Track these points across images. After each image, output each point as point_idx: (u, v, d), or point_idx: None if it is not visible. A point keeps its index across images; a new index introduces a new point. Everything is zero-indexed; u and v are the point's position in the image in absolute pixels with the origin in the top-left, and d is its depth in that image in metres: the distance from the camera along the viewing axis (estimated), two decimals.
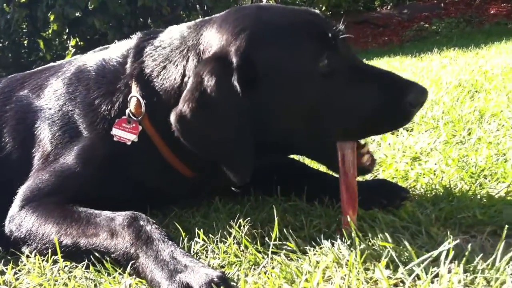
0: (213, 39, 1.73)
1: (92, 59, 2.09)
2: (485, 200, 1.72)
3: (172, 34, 1.92)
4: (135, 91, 1.86)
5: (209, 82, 1.58)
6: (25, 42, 14.11)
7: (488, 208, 1.67)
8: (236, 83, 1.57)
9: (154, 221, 1.58)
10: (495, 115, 2.76)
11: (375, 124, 1.67)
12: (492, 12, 14.83)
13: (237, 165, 1.67)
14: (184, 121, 1.64)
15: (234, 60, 1.60)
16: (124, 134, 1.85)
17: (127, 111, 1.85)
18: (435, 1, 16.68)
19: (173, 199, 2.04)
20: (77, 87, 2.01)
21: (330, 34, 1.64)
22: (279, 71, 1.63)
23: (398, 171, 2.10)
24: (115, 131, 1.85)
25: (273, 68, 1.63)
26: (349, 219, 1.55)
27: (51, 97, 2.06)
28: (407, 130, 2.81)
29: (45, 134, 1.98)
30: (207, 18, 1.91)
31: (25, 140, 2.03)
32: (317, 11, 1.81)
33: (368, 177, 2.15)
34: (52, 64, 2.34)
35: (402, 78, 1.69)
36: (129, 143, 1.84)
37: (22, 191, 1.88)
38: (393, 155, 2.34)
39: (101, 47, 2.23)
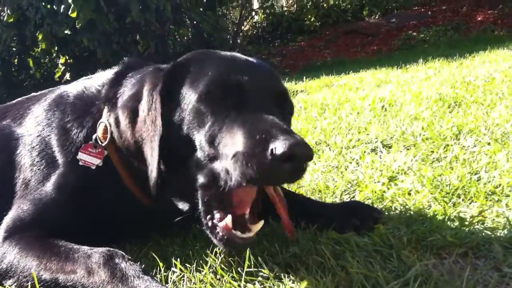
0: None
1: (73, 86, 2.16)
2: (456, 222, 1.75)
3: (152, 66, 1.99)
4: (105, 116, 1.91)
5: (144, 90, 1.79)
6: (15, 61, 14.07)
7: (459, 229, 1.71)
8: (156, 93, 1.74)
9: (129, 257, 1.61)
10: (472, 131, 2.81)
11: (241, 174, 1.47)
12: (479, 19, 14.97)
13: (150, 172, 1.73)
14: (117, 123, 1.83)
15: (163, 72, 1.81)
16: (89, 158, 1.90)
17: (94, 136, 1.90)
18: (422, 10, 16.82)
19: (143, 226, 2.05)
20: (55, 112, 2.06)
21: (239, 95, 1.65)
22: (184, 97, 1.73)
23: (374, 192, 2.13)
24: (80, 155, 1.90)
25: (182, 94, 1.74)
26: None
27: (32, 124, 2.11)
28: (387, 147, 2.85)
29: (25, 160, 2.02)
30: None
31: (7, 167, 2.05)
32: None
33: (345, 198, 2.19)
34: (33, 94, 2.37)
35: (281, 128, 1.48)
36: (93, 167, 1.89)
37: (5, 223, 1.90)
38: (370, 175, 2.37)
39: (85, 77, 2.27)
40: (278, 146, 1.38)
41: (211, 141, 1.60)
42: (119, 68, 2.05)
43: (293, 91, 6.23)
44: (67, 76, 12.09)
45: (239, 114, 1.59)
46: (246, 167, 1.44)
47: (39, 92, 2.36)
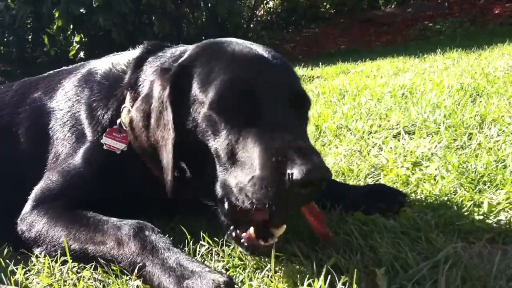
0: (185, 56, 1.81)
1: (102, 63, 2.18)
2: (484, 207, 1.75)
3: (170, 50, 1.99)
4: (128, 101, 1.92)
5: (154, 92, 1.74)
6: (30, 37, 14.13)
7: (486, 215, 1.71)
8: (166, 97, 1.68)
9: (158, 230, 1.62)
10: (495, 120, 2.80)
11: (255, 195, 1.43)
12: (496, 12, 14.81)
13: (165, 174, 1.70)
14: (132, 125, 1.80)
15: (169, 74, 1.72)
16: (114, 143, 1.91)
17: (118, 120, 1.92)
18: (439, 1, 16.65)
19: (167, 204, 2.05)
20: (84, 88, 2.09)
21: (257, 99, 1.57)
22: (194, 99, 1.67)
23: (399, 176, 2.14)
24: (105, 140, 1.92)
25: (192, 96, 1.67)
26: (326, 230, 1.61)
27: (62, 99, 2.14)
28: (409, 134, 2.85)
29: (57, 135, 2.05)
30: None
31: (39, 141, 2.08)
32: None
33: (370, 182, 2.19)
34: (65, 67, 2.39)
35: (297, 148, 1.42)
36: (118, 152, 1.90)
37: (34, 193, 1.93)
38: (394, 160, 2.37)
39: (115, 53, 2.28)
40: (296, 173, 1.34)
41: (227, 153, 1.54)
42: (140, 53, 2.04)
43: (310, 77, 6.22)
44: (81, 54, 12.14)
45: (255, 125, 1.52)
46: (263, 193, 1.40)
47: (70, 66, 2.38)
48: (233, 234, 1.59)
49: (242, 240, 1.55)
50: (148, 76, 1.92)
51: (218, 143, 1.57)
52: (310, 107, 1.84)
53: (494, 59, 5.80)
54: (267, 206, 1.40)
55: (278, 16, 18.14)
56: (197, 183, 1.75)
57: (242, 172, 1.49)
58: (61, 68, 2.40)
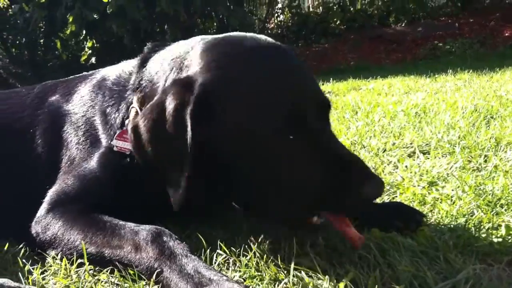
0: (194, 61, 1.75)
1: (115, 69, 2.23)
2: (502, 230, 1.75)
3: (174, 47, 2.00)
4: (135, 102, 1.95)
5: (168, 105, 1.63)
6: (42, 41, 14.23)
7: (505, 238, 1.71)
8: (187, 115, 1.58)
9: (176, 236, 1.63)
10: (510, 144, 2.80)
11: (311, 205, 1.59)
12: (506, 34, 14.83)
13: (171, 189, 1.69)
14: (137, 134, 1.71)
15: (196, 91, 1.61)
16: (124, 144, 1.92)
17: (127, 121, 1.94)
18: (449, 21, 16.69)
19: (183, 209, 2.06)
20: (97, 95, 2.14)
21: (303, 116, 1.60)
22: (233, 119, 1.61)
23: (416, 195, 2.14)
24: (115, 142, 1.93)
25: (229, 114, 1.62)
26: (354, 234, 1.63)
27: (78, 103, 2.18)
28: (424, 153, 2.85)
29: (71, 138, 2.07)
30: (208, 36, 1.94)
31: (54, 143, 2.11)
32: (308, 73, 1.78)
33: (386, 199, 2.19)
34: (84, 73, 2.42)
35: (364, 166, 1.60)
36: (128, 152, 1.91)
37: (49, 195, 1.94)
38: (410, 179, 2.38)
39: (125, 61, 2.31)
40: (369, 189, 1.54)
41: (286, 172, 1.58)
42: (143, 54, 2.08)
43: None
44: (93, 60, 12.22)
45: (308, 141, 1.59)
46: (336, 206, 1.58)
47: (90, 72, 2.41)
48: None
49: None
50: (153, 74, 1.93)
51: (265, 165, 1.60)
52: None
53: (506, 82, 5.80)
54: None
55: (288, 30, 18.20)
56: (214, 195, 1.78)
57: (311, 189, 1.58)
58: (81, 74, 2.43)
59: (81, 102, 2.17)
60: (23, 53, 14.72)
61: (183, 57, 1.84)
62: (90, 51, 12.51)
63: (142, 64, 2.02)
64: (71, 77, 2.47)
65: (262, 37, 1.84)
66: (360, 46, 16.64)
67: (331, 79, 7.79)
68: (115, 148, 1.93)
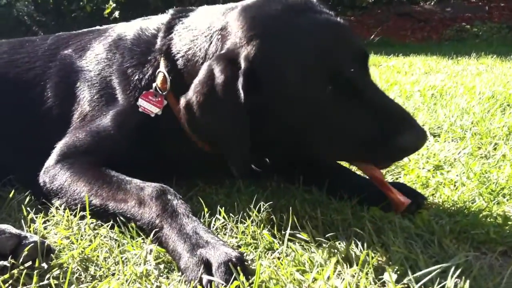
0: (232, 32, 1.79)
1: (131, 28, 2.21)
2: (500, 220, 1.75)
3: (201, 16, 2.01)
4: (162, 67, 1.96)
5: (217, 80, 1.67)
6: None
7: (502, 227, 1.71)
8: (240, 87, 1.64)
9: (180, 196, 1.66)
10: None
11: (359, 152, 1.72)
12: None
13: (233, 159, 1.77)
14: (190, 110, 1.75)
15: (242, 65, 1.67)
16: (149, 106, 1.95)
17: (154, 84, 1.95)
18: (480, 3, 16.30)
19: (194, 171, 2.12)
20: (115, 54, 2.13)
21: (345, 71, 1.67)
22: (281, 86, 1.69)
23: (420, 177, 2.14)
24: (141, 102, 1.95)
25: (276, 82, 1.69)
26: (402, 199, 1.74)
27: (92, 60, 2.17)
28: (434, 136, 2.84)
29: (84, 95, 2.08)
30: (236, 4, 1.94)
31: (66, 98, 2.13)
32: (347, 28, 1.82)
33: (389, 179, 2.20)
34: (97, 27, 2.42)
35: (406, 115, 1.68)
36: (152, 115, 1.94)
37: (59, 146, 1.97)
38: (416, 160, 2.37)
39: (143, 18, 2.31)
40: (406, 137, 1.62)
41: (336, 127, 1.70)
42: (169, 17, 2.09)
43: None
44: (116, 14, 12.17)
45: (359, 97, 1.67)
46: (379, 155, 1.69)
47: (104, 26, 2.41)
48: None
49: None
50: (187, 45, 1.94)
51: (325, 121, 1.70)
52: None
53: None
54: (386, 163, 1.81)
55: None
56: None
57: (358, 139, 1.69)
58: (94, 28, 2.43)
59: (95, 60, 2.17)
60: (48, 1, 14.71)
61: (219, 27, 1.86)
62: (114, 5, 12.44)
63: (169, 30, 2.02)
64: (84, 30, 2.46)
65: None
66: (386, 21, 16.36)
67: None
68: (140, 109, 1.95)
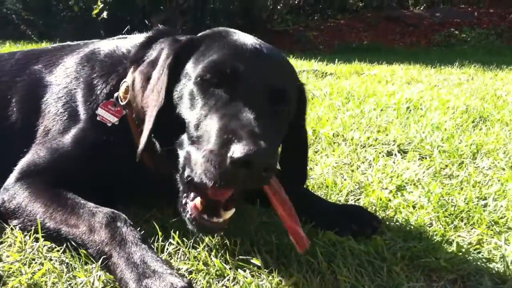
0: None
1: (106, 44, 2.20)
2: (453, 247, 1.77)
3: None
4: (129, 77, 1.95)
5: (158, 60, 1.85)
6: None
7: (454, 255, 1.72)
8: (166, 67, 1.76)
9: (131, 222, 1.65)
10: (490, 152, 2.80)
11: (204, 172, 1.51)
12: None
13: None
14: (133, 86, 1.88)
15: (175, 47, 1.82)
16: (107, 115, 1.95)
17: (116, 94, 1.95)
18: (469, 9, 16.42)
19: (144, 191, 2.09)
20: (84, 67, 2.12)
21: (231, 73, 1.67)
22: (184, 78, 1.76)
23: (380, 199, 2.15)
24: (99, 111, 1.96)
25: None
26: (302, 235, 1.62)
27: (61, 74, 2.16)
28: (402, 152, 2.85)
29: (50, 109, 2.07)
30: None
31: (31, 112, 2.11)
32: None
33: (351, 200, 2.21)
34: (69, 43, 2.41)
35: (251, 131, 1.49)
36: (109, 124, 1.94)
37: (20, 165, 1.96)
38: (379, 180, 2.38)
39: (120, 36, 2.30)
40: (236, 150, 1.42)
41: (196, 126, 1.63)
42: (152, 33, 2.08)
43: (323, 73, 6.19)
44: (104, 14, 12.12)
45: (225, 106, 1.61)
46: (209, 166, 1.48)
47: (75, 42, 2.40)
48: (183, 201, 1.67)
49: (187, 209, 1.63)
50: (154, 53, 1.94)
51: (191, 116, 1.66)
52: (303, 108, 1.96)
53: (510, 82, 5.74)
54: (211, 181, 1.47)
55: (305, 2, 17.97)
56: (168, 157, 1.80)
57: (200, 146, 1.57)
58: (65, 43, 2.42)
59: (64, 73, 2.15)
60: (37, 0, 14.64)
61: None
62: (102, 5, 12.39)
63: (149, 43, 2.02)
64: (56, 45, 2.45)
65: (253, 38, 1.88)
66: (375, 25, 16.42)
67: (337, 60, 7.73)
68: (98, 118, 1.94)
